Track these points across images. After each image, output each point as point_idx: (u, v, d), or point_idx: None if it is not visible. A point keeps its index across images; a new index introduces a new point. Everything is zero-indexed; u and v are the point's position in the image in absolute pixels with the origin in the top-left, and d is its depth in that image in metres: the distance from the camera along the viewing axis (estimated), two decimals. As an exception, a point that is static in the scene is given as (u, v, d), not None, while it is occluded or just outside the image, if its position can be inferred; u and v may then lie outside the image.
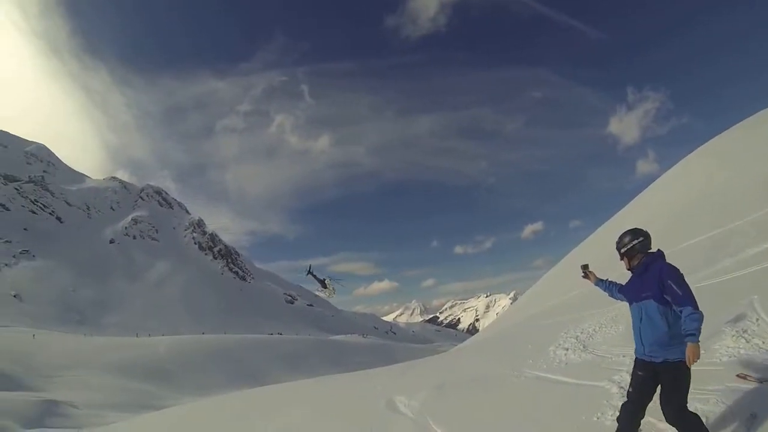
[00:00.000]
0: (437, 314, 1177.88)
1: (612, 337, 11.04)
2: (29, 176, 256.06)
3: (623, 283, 5.41)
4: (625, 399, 5.22)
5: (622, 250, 5.23)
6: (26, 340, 76.16)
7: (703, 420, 5.19)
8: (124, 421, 21.74)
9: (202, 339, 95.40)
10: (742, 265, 11.71)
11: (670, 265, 4.71)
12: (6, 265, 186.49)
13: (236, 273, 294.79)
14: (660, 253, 4.99)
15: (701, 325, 4.38)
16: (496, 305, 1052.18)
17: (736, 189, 21.41)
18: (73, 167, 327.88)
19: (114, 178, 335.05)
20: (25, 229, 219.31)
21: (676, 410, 4.61)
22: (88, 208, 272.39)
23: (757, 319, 7.78)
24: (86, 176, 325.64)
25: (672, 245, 20.20)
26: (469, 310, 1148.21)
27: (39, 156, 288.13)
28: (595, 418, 6.37)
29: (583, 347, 11.07)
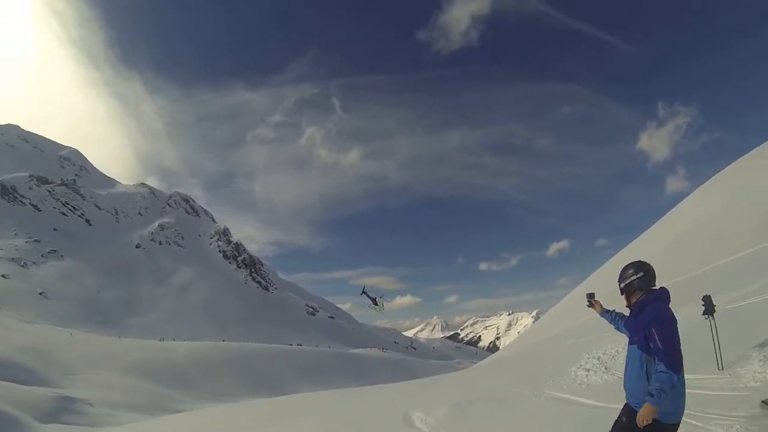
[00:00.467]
0: (458, 331, 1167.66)
1: (635, 360, 10.80)
2: (62, 179, 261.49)
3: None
4: None
5: (621, 286, 4.64)
6: (50, 337, 77.47)
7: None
8: (138, 423, 21.78)
9: (222, 346, 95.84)
10: (773, 288, 11.42)
11: (664, 310, 4.07)
12: (34, 263, 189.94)
13: (259, 283, 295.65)
14: (659, 294, 4.27)
15: (667, 387, 3.70)
16: (518, 324, 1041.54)
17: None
18: (104, 172, 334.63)
19: (143, 185, 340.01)
20: (54, 229, 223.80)
21: None
22: (116, 213, 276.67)
23: (786, 345, 7.56)
24: (117, 181, 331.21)
25: (701, 266, 19.85)
26: (490, 327, 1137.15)
27: (72, 160, 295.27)
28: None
29: (605, 369, 10.87)
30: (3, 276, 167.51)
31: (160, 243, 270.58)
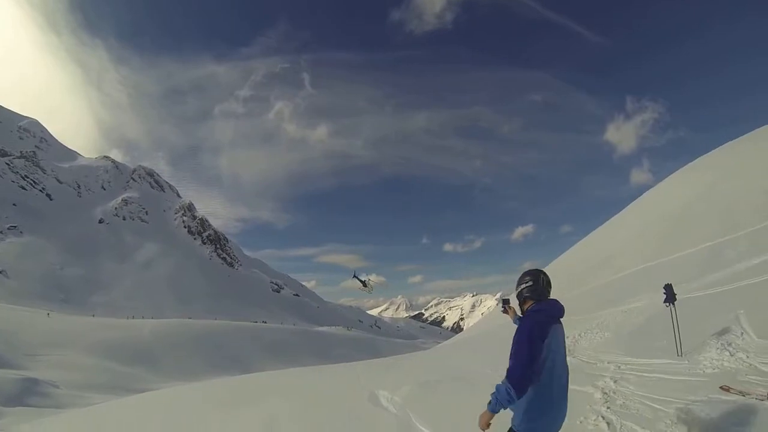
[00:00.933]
0: (423, 311, 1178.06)
1: (598, 343, 11.12)
2: (21, 151, 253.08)
3: None
4: None
5: (516, 294, 4.26)
6: (11, 317, 75.67)
7: (686, 429, 5.25)
8: (105, 403, 21.56)
9: (188, 323, 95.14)
10: (732, 279, 11.84)
11: (528, 323, 3.72)
12: None
13: (224, 259, 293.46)
14: (540, 306, 3.93)
15: (501, 397, 3.52)
16: (482, 305, 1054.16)
17: (733, 202, 21.61)
18: (65, 144, 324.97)
19: (106, 158, 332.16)
20: (14, 204, 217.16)
21: None
22: (78, 187, 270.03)
23: (742, 334, 7.87)
24: (78, 154, 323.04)
25: (663, 255, 20.41)
26: (454, 308, 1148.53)
27: (32, 131, 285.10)
28: (578, 422, 6.36)
29: (568, 351, 11.14)
30: None
31: (124, 218, 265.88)
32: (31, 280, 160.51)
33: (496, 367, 11.55)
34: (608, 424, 6.04)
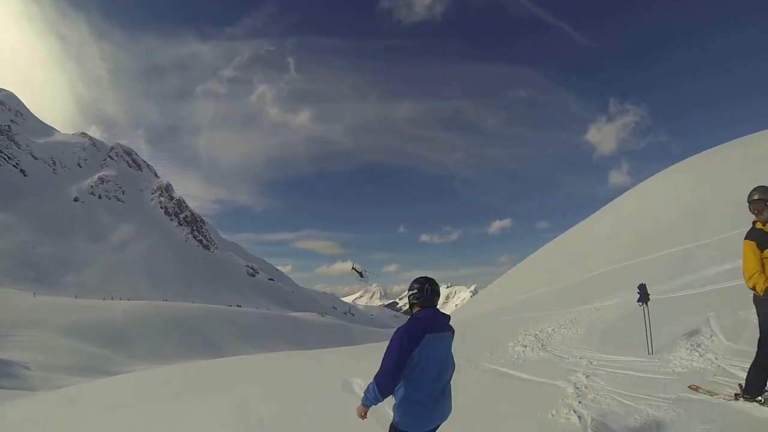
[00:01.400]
0: (397, 300, 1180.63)
1: (570, 339, 11.30)
2: None
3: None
4: None
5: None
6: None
7: (655, 426, 5.40)
8: (77, 385, 21.43)
9: (161, 306, 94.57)
10: (703, 282, 12.13)
11: (401, 331, 3.96)
12: None
13: (200, 241, 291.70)
14: (417, 314, 4.20)
15: (371, 397, 3.97)
16: (456, 297, 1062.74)
17: (709, 208, 22.03)
18: (41, 119, 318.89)
19: (84, 134, 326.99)
20: None
21: None
22: (54, 163, 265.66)
23: (711, 336, 8.07)
24: (55, 129, 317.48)
25: (639, 256, 20.78)
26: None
27: (7, 104, 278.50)
28: (550, 416, 6.48)
29: (542, 346, 11.33)
30: None
31: (100, 197, 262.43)
32: (2, 258, 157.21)
33: (470, 359, 11.66)
34: (579, 417, 6.17)
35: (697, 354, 7.42)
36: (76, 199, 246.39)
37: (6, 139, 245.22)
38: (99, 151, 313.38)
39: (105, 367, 51.15)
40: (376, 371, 3.91)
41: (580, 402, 6.75)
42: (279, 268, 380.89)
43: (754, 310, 5.40)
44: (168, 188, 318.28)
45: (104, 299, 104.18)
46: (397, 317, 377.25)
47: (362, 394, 4.08)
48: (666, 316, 9.74)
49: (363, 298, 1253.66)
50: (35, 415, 13.44)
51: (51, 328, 64.48)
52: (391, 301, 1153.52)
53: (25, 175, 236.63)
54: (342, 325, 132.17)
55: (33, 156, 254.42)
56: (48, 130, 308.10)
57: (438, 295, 4.32)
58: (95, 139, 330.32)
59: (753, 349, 5.44)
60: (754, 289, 5.21)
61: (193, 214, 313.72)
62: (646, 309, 8.70)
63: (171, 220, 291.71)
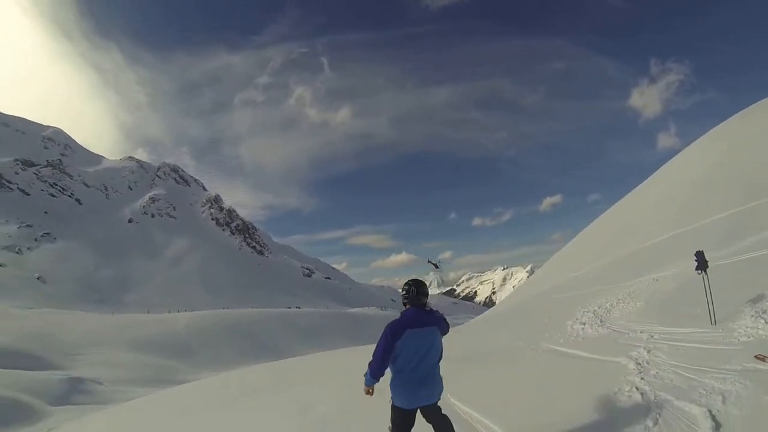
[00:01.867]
0: (454, 287, 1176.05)
1: (629, 313, 10.97)
2: (47, 160, 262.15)
3: None
4: None
5: None
6: (51, 321, 77.61)
7: (720, 399, 5.15)
8: (145, 397, 22.13)
9: (221, 314, 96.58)
10: (761, 246, 11.54)
11: (389, 326, 4.94)
12: (28, 248, 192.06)
13: (254, 248, 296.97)
14: (403, 313, 5.09)
15: (367, 378, 5.06)
16: (513, 278, 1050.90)
17: (757, 168, 21.06)
18: (89, 149, 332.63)
19: (131, 158, 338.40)
20: (45, 212, 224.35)
21: None
22: (106, 189, 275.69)
23: (777, 301, 7.67)
24: (103, 157, 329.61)
25: (693, 221, 20.02)
26: (486, 283, 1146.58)
27: (56, 140, 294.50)
28: (613, 393, 6.32)
29: (601, 322, 11.03)
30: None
31: (152, 216, 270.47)
32: (68, 283, 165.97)
33: (529, 340, 11.49)
34: (642, 394, 5.99)
35: (763, 321, 7.05)
36: (130, 221, 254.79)
37: (59, 172, 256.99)
38: (147, 172, 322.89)
39: (171, 377, 53.26)
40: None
41: (642, 378, 6.54)
42: (334, 266, 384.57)
43: None
44: (217, 200, 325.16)
45: (159, 312, 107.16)
46: (456, 304, 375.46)
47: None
48: (727, 283, 9.30)
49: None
50: (109, 426, 13.87)
51: (118, 344, 66.93)
52: (448, 288, 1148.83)
53: (80, 204, 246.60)
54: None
55: (85, 184, 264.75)
56: (96, 158, 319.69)
57: (425, 295, 5.12)
58: (142, 161, 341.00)
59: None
60: None
61: (244, 222, 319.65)
62: (705, 277, 8.33)
63: (223, 230, 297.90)
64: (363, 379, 5.07)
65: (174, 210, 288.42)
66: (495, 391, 8.17)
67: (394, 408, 4.98)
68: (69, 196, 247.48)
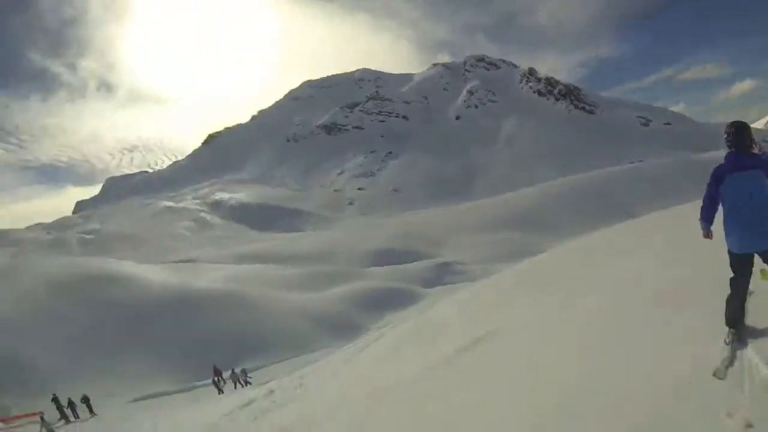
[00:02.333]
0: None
1: None
2: (366, 96, 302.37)
3: None
4: None
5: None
6: (413, 221, 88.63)
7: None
8: (509, 269, 23.44)
9: (564, 182, 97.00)
10: None
11: (712, 172, 4.58)
12: (378, 170, 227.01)
13: (582, 108, 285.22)
14: (725, 159, 4.59)
15: (701, 223, 4.71)
16: None
17: None
18: (396, 73, 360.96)
19: (435, 65, 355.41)
20: (381, 136, 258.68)
21: None
22: (425, 99, 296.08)
23: None
24: (411, 74, 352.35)
25: None
26: None
27: (366, 78, 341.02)
28: None
29: None
30: (360, 189, 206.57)
31: (475, 107, 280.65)
32: (418, 188, 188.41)
33: None
34: None
35: None
36: (457, 118, 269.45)
37: (380, 101, 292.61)
38: (454, 71, 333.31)
39: (526, 249, 53.87)
40: None
41: None
42: (672, 108, 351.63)
43: None
44: (531, 72, 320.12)
45: (514, 191, 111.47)
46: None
47: None
48: None
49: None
50: (475, 294, 14.76)
51: (474, 228, 73.63)
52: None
53: (407, 120, 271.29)
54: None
55: (405, 102, 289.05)
56: (406, 78, 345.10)
57: (747, 137, 4.64)
58: (446, 63, 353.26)
59: None
60: None
61: (565, 85, 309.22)
62: None
63: (547, 99, 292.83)
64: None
65: (494, 95, 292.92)
66: None
67: (728, 252, 4.62)
68: (396, 116, 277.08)
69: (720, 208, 4.52)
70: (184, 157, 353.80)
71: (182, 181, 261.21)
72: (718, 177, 4.51)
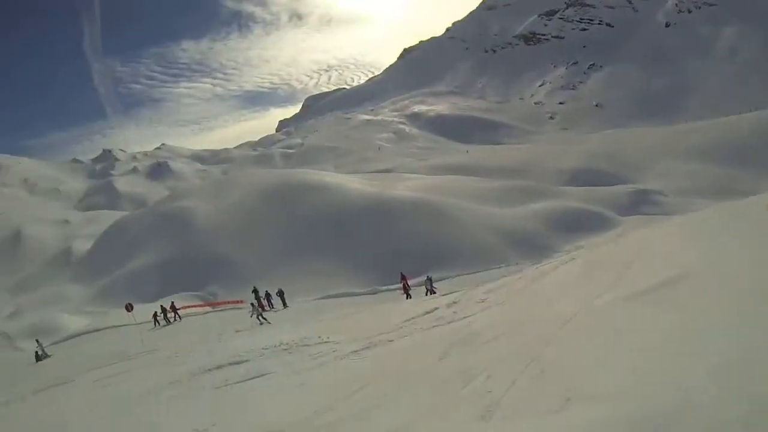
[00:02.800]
0: None
1: None
2: (565, 2, 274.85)
3: None
4: None
5: None
6: (614, 140, 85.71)
7: None
8: (708, 209, 22.05)
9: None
10: None
11: None
12: (580, 82, 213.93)
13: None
14: None
15: None
16: None
17: None
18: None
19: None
20: (584, 46, 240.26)
21: None
22: (629, 2, 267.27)
23: None
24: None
25: None
26: None
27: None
28: None
29: None
30: (560, 103, 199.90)
31: (689, 11, 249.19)
32: (622, 103, 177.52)
33: None
34: None
35: None
36: (667, 25, 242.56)
37: (580, 7, 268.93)
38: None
39: (736, 187, 49.35)
40: None
41: None
42: None
43: None
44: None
45: (731, 115, 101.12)
46: None
47: None
48: None
49: None
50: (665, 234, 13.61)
51: (679, 154, 68.66)
52: None
53: (611, 27, 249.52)
54: None
55: (609, 7, 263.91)
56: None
57: None
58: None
59: None
60: None
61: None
62: None
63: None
64: None
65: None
66: None
67: None
68: (599, 23, 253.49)
69: None
70: (380, 73, 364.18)
71: (380, 96, 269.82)
72: None
